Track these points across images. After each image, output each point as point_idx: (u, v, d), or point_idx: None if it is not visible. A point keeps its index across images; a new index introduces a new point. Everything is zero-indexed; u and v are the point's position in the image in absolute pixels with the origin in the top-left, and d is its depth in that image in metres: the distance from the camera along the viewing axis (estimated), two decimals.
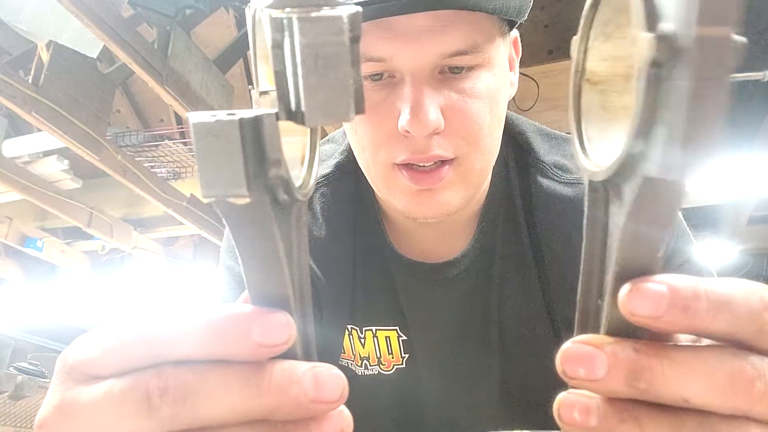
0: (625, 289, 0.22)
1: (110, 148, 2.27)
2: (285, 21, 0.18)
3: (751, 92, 2.40)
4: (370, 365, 0.71)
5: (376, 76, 0.53)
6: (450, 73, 0.53)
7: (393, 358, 0.71)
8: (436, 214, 0.57)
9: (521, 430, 0.66)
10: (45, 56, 1.99)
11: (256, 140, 0.19)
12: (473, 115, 0.54)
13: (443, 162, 0.55)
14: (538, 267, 0.64)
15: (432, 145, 0.53)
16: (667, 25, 0.17)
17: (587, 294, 0.25)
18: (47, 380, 3.02)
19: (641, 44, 0.18)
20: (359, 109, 0.19)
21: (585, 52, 0.25)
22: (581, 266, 0.25)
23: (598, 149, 0.23)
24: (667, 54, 0.17)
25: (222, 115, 0.19)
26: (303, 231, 0.24)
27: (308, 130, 0.26)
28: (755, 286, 0.22)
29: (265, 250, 0.21)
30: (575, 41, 0.25)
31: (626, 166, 0.20)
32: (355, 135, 0.58)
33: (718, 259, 3.35)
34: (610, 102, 0.24)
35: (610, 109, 0.24)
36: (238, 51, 2.58)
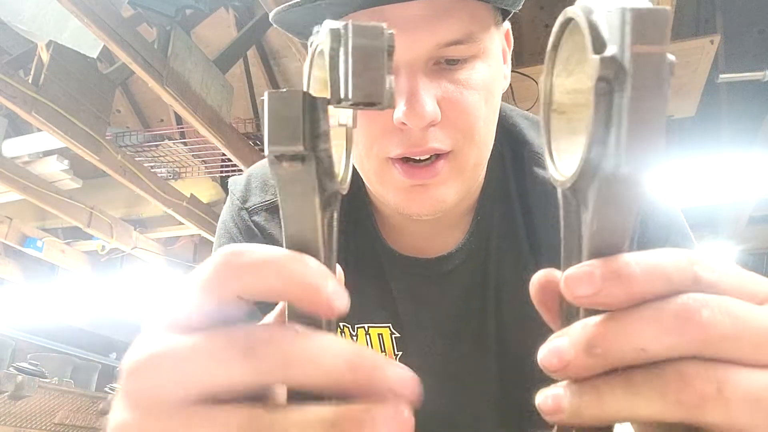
0: (562, 279, 0.24)
1: (110, 148, 2.27)
2: (342, 30, 0.24)
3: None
4: None
5: None
6: (445, 64, 0.52)
7: (386, 355, 0.70)
8: (431, 210, 0.56)
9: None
10: (45, 56, 1.99)
11: (312, 112, 0.23)
12: (469, 107, 0.53)
13: (438, 156, 0.54)
14: (536, 259, 0.64)
15: (428, 137, 0.52)
16: (610, 48, 0.21)
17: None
18: (47, 380, 3.02)
19: (591, 65, 0.21)
20: (390, 104, 0.24)
21: (551, 87, 0.28)
22: (561, 272, 0.27)
23: (566, 162, 0.27)
24: (612, 71, 0.21)
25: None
26: (334, 224, 0.28)
27: (345, 134, 0.31)
28: (677, 250, 0.24)
29: (306, 210, 0.25)
30: (541, 78, 0.29)
31: (586, 171, 0.23)
32: None
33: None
34: (577, 126, 0.27)
35: (577, 131, 0.27)
36: (238, 51, 2.57)
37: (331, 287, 0.23)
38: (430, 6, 0.50)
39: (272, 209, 0.69)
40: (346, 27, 0.24)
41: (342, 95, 0.24)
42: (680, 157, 2.47)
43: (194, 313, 0.24)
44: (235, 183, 0.73)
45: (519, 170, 0.66)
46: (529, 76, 2.14)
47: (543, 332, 0.26)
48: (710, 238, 3.29)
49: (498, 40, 0.57)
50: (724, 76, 2.33)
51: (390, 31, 0.24)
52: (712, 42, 2.04)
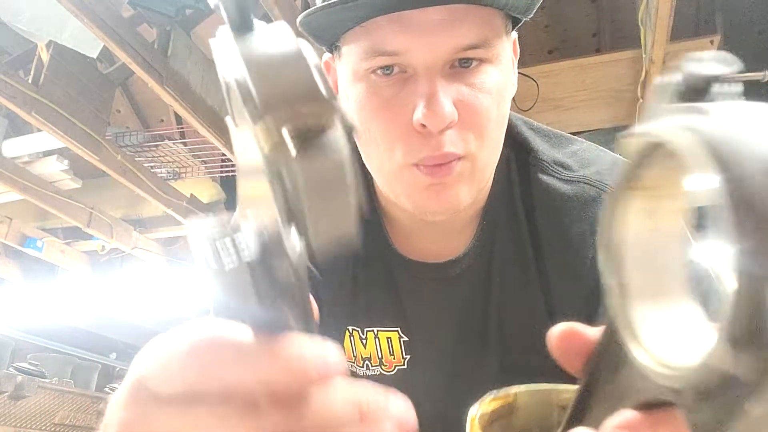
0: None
1: (110, 148, 2.27)
2: (281, 158, 0.18)
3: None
4: (372, 366, 0.71)
5: (387, 70, 0.54)
6: (460, 66, 0.54)
7: (394, 359, 0.71)
8: (447, 209, 0.57)
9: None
10: (45, 56, 1.99)
11: (265, 269, 0.20)
12: (483, 110, 0.54)
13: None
14: (539, 264, 0.65)
15: (444, 142, 0.54)
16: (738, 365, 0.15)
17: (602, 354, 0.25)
18: (47, 380, 3.02)
19: (715, 358, 0.16)
20: (362, 213, 0.20)
21: (610, 228, 0.23)
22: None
23: (654, 341, 0.21)
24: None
25: (227, 251, 0.19)
26: (302, 271, 0.25)
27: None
28: None
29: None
30: (603, 215, 0.24)
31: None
32: (367, 132, 0.57)
33: None
34: (662, 293, 0.22)
35: (665, 298, 0.22)
36: None
37: (318, 364, 0.22)
38: (448, 11, 0.51)
39: None
40: (287, 158, 0.18)
41: (295, 214, 0.19)
42: None
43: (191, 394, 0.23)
44: None
45: (524, 177, 0.67)
46: (529, 77, 2.14)
47: (544, 335, 0.26)
48: (709, 237, 3.29)
49: (508, 48, 0.59)
50: None
51: (348, 122, 0.19)
52: (711, 42, 2.04)
